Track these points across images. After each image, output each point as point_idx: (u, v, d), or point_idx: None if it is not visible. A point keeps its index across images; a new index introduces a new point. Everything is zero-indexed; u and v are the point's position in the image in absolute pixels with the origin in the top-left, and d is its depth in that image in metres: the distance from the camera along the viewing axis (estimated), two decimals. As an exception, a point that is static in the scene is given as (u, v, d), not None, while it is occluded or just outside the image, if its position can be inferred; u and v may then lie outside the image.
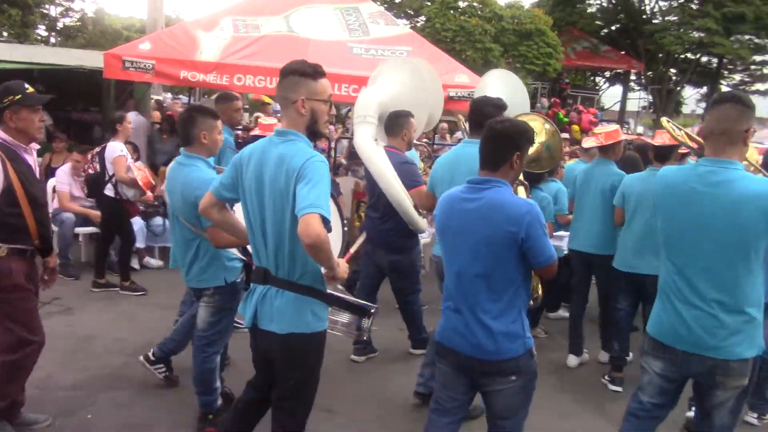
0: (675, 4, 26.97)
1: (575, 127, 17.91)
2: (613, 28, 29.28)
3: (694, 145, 3.54)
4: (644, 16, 28.10)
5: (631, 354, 5.18)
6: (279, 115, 15.15)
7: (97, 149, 6.29)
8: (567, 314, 5.72)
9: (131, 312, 5.68)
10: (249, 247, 3.13)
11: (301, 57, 7.21)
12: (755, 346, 2.65)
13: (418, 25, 19.88)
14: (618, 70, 29.18)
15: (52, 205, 6.53)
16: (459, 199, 2.71)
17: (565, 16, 26.25)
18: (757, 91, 31.92)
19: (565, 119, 15.49)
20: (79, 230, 6.90)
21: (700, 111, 33.37)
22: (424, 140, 8.35)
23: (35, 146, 3.46)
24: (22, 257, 3.30)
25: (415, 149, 6.08)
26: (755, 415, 4.33)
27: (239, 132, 7.79)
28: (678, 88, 29.61)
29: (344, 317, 2.98)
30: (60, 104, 9.38)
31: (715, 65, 29.50)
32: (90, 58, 8.62)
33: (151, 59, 6.98)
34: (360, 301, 3.11)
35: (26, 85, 3.31)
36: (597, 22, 28.86)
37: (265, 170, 2.56)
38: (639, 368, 3.00)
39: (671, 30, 25.39)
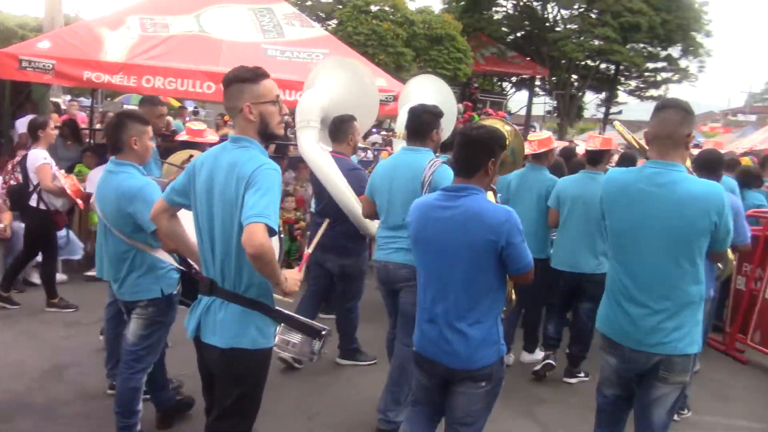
0: (576, 13, 28.20)
1: (485, 131, 18.37)
2: (518, 34, 30.29)
3: (645, 146, 3.67)
4: (547, 24, 29.24)
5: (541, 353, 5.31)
6: (195, 116, 14.75)
7: (18, 158, 5.87)
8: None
9: (33, 331, 5.25)
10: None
11: (214, 58, 7.10)
12: (696, 343, 2.75)
13: (330, 28, 19.80)
14: (524, 76, 30.14)
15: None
16: (434, 207, 2.68)
17: (473, 22, 26.88)
18: (651, 97, 33.85)
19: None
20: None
21: (600, 115, 35.04)
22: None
23: None
24: None
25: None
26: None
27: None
28: (580, 94, 30.97)
29: (296, 338, 2.86)
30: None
31: (612, 72, 31.06)
32: (-20, 58, 7.98)
33: (51, 59, 6.51)
34: (312, 321, 3.00)
35: None
36: (503, 29, 29.76)
37: (216, 177, 2.49)
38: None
39: (573, 38, 26.57)
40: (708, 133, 34.12)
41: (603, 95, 33.53)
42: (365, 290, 5.02)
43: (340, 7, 20.30)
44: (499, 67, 27.28)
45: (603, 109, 34.28)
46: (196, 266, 3.29)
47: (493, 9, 30.00)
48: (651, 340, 2.72)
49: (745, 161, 10.14)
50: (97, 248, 3.72)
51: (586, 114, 38.23)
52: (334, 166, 4.44)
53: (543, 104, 34.62)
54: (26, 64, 6.46)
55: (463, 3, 28.25)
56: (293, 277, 2.54)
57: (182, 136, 6.56)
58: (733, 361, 5.72)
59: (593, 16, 26.90)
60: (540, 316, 5.35)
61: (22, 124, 6.92)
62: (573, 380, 5.00)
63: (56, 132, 6.10)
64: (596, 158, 4.86)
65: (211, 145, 7.90)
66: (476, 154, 2.65)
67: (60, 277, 6.55)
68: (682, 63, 30.41)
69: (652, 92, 33.44)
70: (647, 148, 3.01)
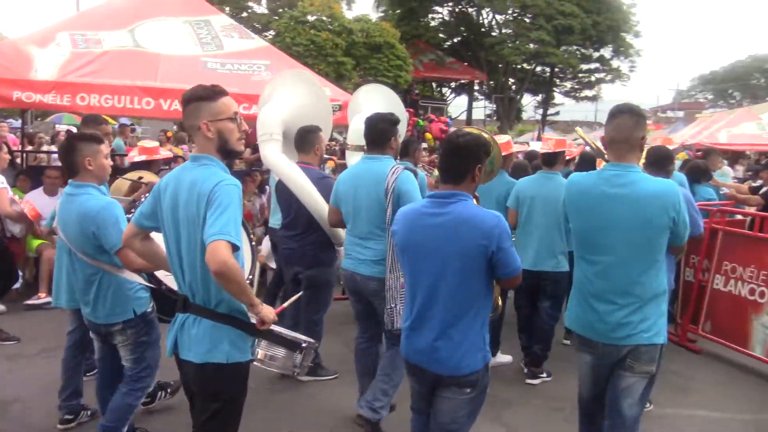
0: (510, 17, 28.78)
1: (428, 135, 18.47)
2: (455, 40, 30.71)
3: (602, 149, 3.72)
4: (483, 29, 29.75)
5: (510, 357, 5.34)
6: (132, 133, 14.29)
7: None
8: None
9: (-31, 367, 4.93)
10: (157, 274, 3.22)
11: (151, 73, 6.86)
12: (662, 334, 2.91)
13: (268, 40, 19.58)
14: (463, 81, 30.58)
15: None
16: (422, 214, 2.70)
17: (410, 29, 27.12)
18: (586, 97, 34.89)
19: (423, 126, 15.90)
20: None
21: (537, 117, 35.83)
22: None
23: None
24: None
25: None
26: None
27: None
28: (518, 97, 31.60)
29: (280, 352, 2.85)
30: None
31: (548, 74, 31.83)
32: None
33: (-24, 80, 6.18)
34: (291, 333, 2.95)
35: None
36: (440, 35, 30.14)
37: (179, 196, 2.51)
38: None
39: (509, 42, 27.10)
40: (640, 130, 35.39)
41: (540, 97, 34.35)
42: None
43: (277, 18, 20.13)
44: (438, 73, 27.58)
45: (541, 111, 35.11)
46: (165, 282, 3.37)
47: (430, 16, 30.38)
48: (619, 334, 2.87)
49: (681, 156, 10.50)
50: (55, 275, 3.62)
51: (525, 116, 39.07)
52: (304, 176, 4.43)
53: (483, 108, 35.21)
54: (-50, 86, 6.09)
55: (399, 11, 28.46)
56: (270, 309, 2.55)
57: (138, 157, 6.32)
58: (687, 352, 5.84)
59: (527, 20, 27.53)
60: (501, 319, 5.32)
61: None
62: (536, 381, 5.02)
63: (8, 157, 5.75)
64: (551, 159, 5.02)
65: (167, 160, 7.80)
66: (463, 160, 2.68)
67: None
68: (614, 63, 31.43)
69: (587, 93, 34.48)
70: (604, 151, 3.08)
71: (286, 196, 4.55)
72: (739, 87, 70.21)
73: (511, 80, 30.92)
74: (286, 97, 5.01)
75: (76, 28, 7.26)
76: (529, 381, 5.01)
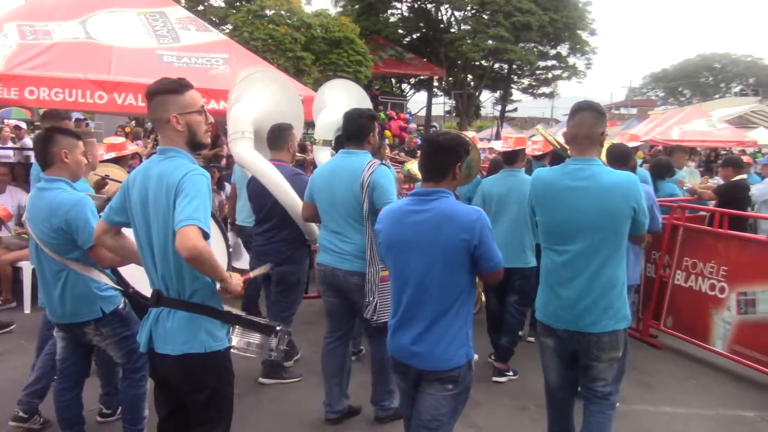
0: (469, 14, 28.91)
1: (387, 133, 18.42)
2: (415, 36, 30.69)
3: (565, 145, 3.86)
4: (442, 26, 29.80)
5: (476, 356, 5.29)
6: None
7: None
8: None
9: None
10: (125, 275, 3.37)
11: (104, 66, 6.58)
12: (624, 320, 3.06)
13: (225, 33, 19.18)
14: (422, 77, 30.59)
15: None
16: (405, 212, 2.77)
17: (370, 24, 26.97)
18: (543, 94, 35.32)
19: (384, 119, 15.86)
20: None
21: (496, 113, 36.14)
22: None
23: None
24: None
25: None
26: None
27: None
28: (476, 93, 31.79)
29: (255, 338, 2.87)
30: None
31: (506, 71, 32.10)
32: None
33: None
34: (263, 319, 3.00)
35: None
36: (400, 31, 30.08)
37: (148, 189, 2.53)
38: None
39: (468, 38, 27.21)
40: (595, 126, 36.07)
41: (498, 94, 34.64)
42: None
43: (234, 11, 19.74)
44: (398, 69, 27.51)
45: (499, 108, 35.41)
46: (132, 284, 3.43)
47: (389, 12, 30.27)
48: (583, 321, 3.01)
49: (638, 155, 10.63)
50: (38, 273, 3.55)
51: (483, 112, 39.36)
52: (278, 172, 4.44)
53: (442, 104, 35.31)
54: None
55: (358, 6, 28.29)
56: (237, 276, 2.62)
57: (107, 155, 6.12)
58: (649, 347, 5.90)
59: (485, 17, 27.68)
60: None
61: None
62: (503, 379, 5.01)
63: None
64: (512, 157, 5.07)
65: (136, 155, 7.56)
66: (444, 159, 2.75)
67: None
68: (571, 61, 31.88)
69: (544, 89, 34.91)
70: (567, 147, 3.33)
71: (259, 193, 4.54)
72: (688, 85, 72.20)
73: (470, 77, 31.08)
74: (257, 95, 5.00)
75: (24, 19, 6.91)
76: (495, 379, 5.00)
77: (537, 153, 6.10)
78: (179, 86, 2.57)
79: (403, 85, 32.86)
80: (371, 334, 4.04)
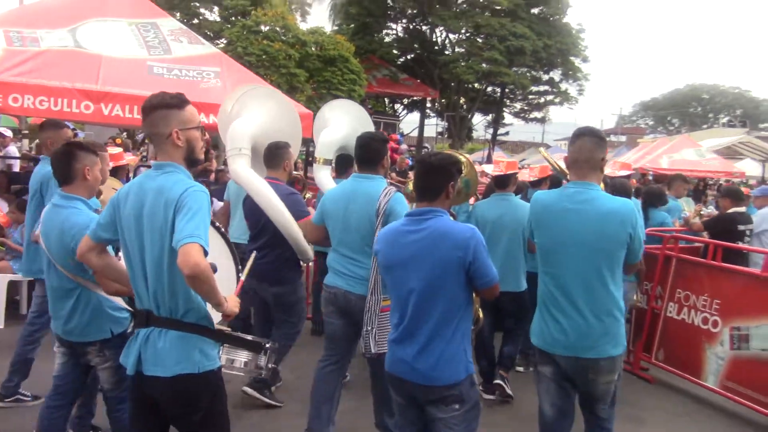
0: (463, 37, 29.07)
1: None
2: (409, 57, 30.80)
3: (566, 170, 3.87)
4: (436, 48, 29.94)
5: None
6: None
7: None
8: None
9: None
10: None
11: (92, 76, 6.44)
12: (621, 345, 3.10)
13: (219, 48, 19.14)
14: (415, 98, 30.63)
15: None
16: (402, 232, 2.84)
17: (365, 44, 27.00)
18: (535, 119, 35.50)
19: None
20: None
21: (488, 136, 36.24)
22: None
23: None
24: None
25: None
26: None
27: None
28: (469, 116, 31.88)
29: (242, 356, 2.86)
30: None
31: (499, 94, 32.25)
32: None
33: None
34: (252, 336, 2.97)
35: None
36: (394, 51, 30.17)
37: (143, 205, 2.48)
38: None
39: (462, 61, 27.33)
40: (585, 152, 36.29)
41: (490, 117, 34.75)
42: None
43: (229, 26, 19.69)
44: (392, 89, 27.52)
45: (491, 131, 35.51)
46: None
47: (384, 32, 30.38)
48: (581, 344, 3.04)
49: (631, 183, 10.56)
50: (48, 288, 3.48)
51: (475, 135, 39.47)
52: (272, 191, 4.43)
53: (435, 125, 35.35)
54: None
55: (353, 25, 28.37)
56: (233, 298, 2.59)
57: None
58: (640, 380, 5.77)
59: (480, 40, 27.83)
60: None
61: None
62: (492, 396, 5.07)
63: None
64: (504, 181, 5.08)
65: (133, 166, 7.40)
66: (438, 179, 2.84)
67: None
68: (563, 86, 32.06)
69: (536, 114, 35.09)
70: (567, 171, 3.38)
71: (254, 211, 4.50)
72: (677, 114, 73.06)
73: (463, 99, 31.17)
74: (256, 112, 5.00)
75: (12, 25, 6.79)
76: (486, 396, 5.01)
77: (533, 179, 6.03)
78: (180, 101, 2.56)
79: (396, 105, 32.89)
80: (373, 363, 3.89)
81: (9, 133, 10.34)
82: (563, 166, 3.96)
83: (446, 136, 32.63)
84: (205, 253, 2.31)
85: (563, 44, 28.30)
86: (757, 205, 7.16)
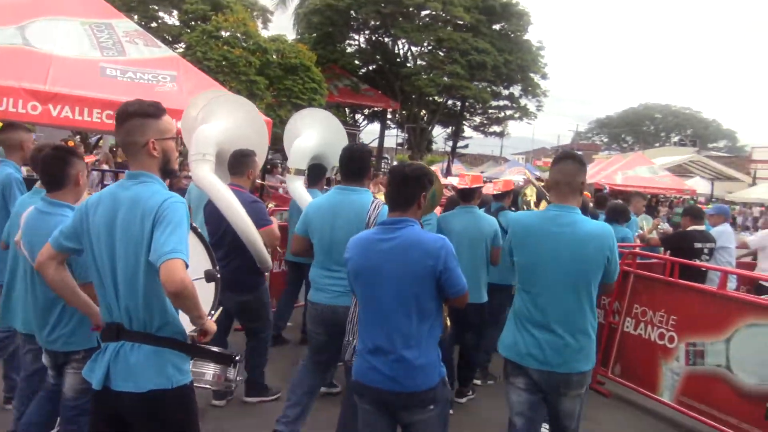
0: (425, 50, 29.26)
1: (339, 163, 18.22)
2: (371, 68, 30.84)
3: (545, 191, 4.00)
4: (398, 60, 30.05)
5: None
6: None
7: None
8: None
9: None
10: None
11: (41, 75, 6.18)
12: (591, 361, 3.21)
13: (178, 52, 18.78)
14: (376, 108, 30.67)
15: None
16: (374, 241, 2.87)
17: (327, 53, 26.94)
18: (494, 132, 35.89)
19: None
20: None
21: (447, 148, 36.51)
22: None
23: None
24: None
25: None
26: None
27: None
28: (429, 128, 32.05)
29: (210, 369, 2.83)
30: None
31: (459, 108, 32.53)
32: None
33: None
34: (223, 349, 2.95)
35: None
36: (356, 62, 30.18)
37: (117, 215, 2.40)
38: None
39: (423, 74, 27.50)
40: (542, 167, 36.86)
41: (450, 130, 35.02)
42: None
43: (189, 31, 19.37)
44: (353, 99, 27.52)
45: (450, 143, 35.78)
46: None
47: (346, 42, 30.36)
48: (555, 360, 3.11)
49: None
50: (4, 293, 3.49)
51: (435, 147, 39.73)
52: (235, 198, 4.41)
53: (395, 137, 35.47)
54: None
55: (315, 35, 28.27)
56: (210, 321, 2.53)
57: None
58: (596, 395, 5.76)
59: (442, 53, 28.05)
60: None
61: None
62: (462, 399, 5.25)
63: None
64: (469, 194, 5.13)
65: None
66: (411, 189, 2.89)
67: None
68: (522, 102, 32.52)
69: (495, 128, 35.48)
70: (547, 192, 3.56)
71: (215, 217, 4.46)
72: (631, 132, 75.01)
73: (424, 111, 31.35)
74: (223, 119, 4.97)
75: (-45, 21, 6.48)
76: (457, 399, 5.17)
77: (496, 192, 6.05)
78: (158, 110, 2.49)
79: (357, 116, 32.88)
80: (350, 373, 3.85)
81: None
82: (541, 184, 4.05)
83: (406, 147, 32.75)
84: (187, 267, 2.26)
85: (523, 60, 28.76)
86: (712, 222, 7.28)
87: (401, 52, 30.53)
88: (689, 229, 6.55)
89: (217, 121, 4.95)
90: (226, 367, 2.81)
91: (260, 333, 4.74)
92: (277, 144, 10.20)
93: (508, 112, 33.65)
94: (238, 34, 18.58)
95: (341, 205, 3.85)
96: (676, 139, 66.50)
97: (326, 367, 4.11)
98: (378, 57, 30.58)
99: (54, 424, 3.69)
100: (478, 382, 5.72)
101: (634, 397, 5.65)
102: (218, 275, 3.14)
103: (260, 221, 4.44)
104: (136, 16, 19.12)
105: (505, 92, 31.69)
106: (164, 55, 7.60)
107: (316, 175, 5.98)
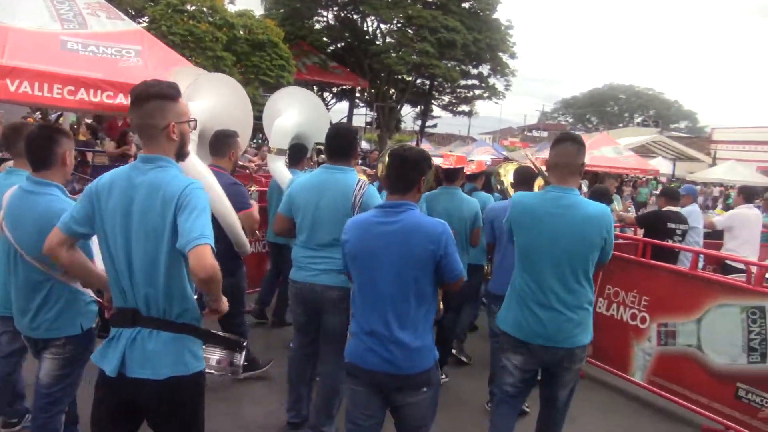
0: (395, 28, 28.99)
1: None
2: (339, 45, 30.49)
3: (545, 172, 4.03)
4: (367, 37, 29.74)
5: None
6: None
7: None
8: None
9: None
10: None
11: (-2, 48, 5.87)
12: (590, 333, 3.37)
13: (142, 26, 18.24)
14: (345, 87, 30.40)
15: None
16: (373, 224, 2.87)
17: (295, 30, 26.57)
18: (462, 112, 35.92)
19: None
20: None
21: (416, 127, 36.41)
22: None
23: None
24: None
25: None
26: None
27: None
28: (398, 107, 31.90)
29: (215, 354, 2.78)
30: None
31: (428, 87, 32.42)
32: None
33: None
34: (230, 335, 2.90)
35: None
36: (325, 39, 29.79)
37: (133, 200, 2.34)
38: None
39: (393, 52, 27.27)
40: (509, 147, 37.06)
41: (419, 109, 34.92)
42: None
43: (152, 4, 18.82)
44: (321, 76, 27.22)
45: (419, 122, 35.69)
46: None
47: (315, 18, 29.94)
48: (559, 336, 3.27)
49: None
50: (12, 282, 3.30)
51: (403, 126, 39.60)
52: (215, 179, 4.27)
53: (364, 115, 35.24)
54: None
55: (283, 10, 27.80)
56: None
57: None
58: (569, 375, 5.80)
59: (411, 31, 27.83)
60: None
61: None
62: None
63: None
64: (453, 175, 5.11)
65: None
66: (410, 173, 2.89)
67: None
68: (491, 81, 32.56)
69: (463, 107, 35.51)
70: (546, 174, 3.64)
71: None
72: (596, 113, 75.83)
73: (393, 90, 31.17)
74: (208, 98, 4.81)
75: None
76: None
77: (470, 173, 5.99)
78: (177, 92, 2.43)
79: (325, 94, 32.57)
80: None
81: None
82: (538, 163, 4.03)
83: (375, 126, 32.57)
84: (213, 252, 2.26)
85: (492, 40, 28.75)
86: (682, 204, 7.34)
87: (370, 29, 30.28)
88: (665, 209, 6.59)
89: (203, 99, 4.78)
90: (232, 353, 2.80)
91: (234, 318, 4.55)
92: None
93: (477, 92, 33.70)
94: (204, 9, 18.15)
95: (327, 184, 3.79)
96: (639, 119, 67.48)
97: (313, 351, 4.03)
98: (347, 34, 30.26)
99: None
100: (454, 351, 5.80)
101: (606, 378, 5.70)
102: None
103: (240, 204, 4.35)
104: (96, -12, 18.47)
105: (474, 71, 31.69)
106: (128, 29, 7.30)
107: (297, 154, 5.88)
